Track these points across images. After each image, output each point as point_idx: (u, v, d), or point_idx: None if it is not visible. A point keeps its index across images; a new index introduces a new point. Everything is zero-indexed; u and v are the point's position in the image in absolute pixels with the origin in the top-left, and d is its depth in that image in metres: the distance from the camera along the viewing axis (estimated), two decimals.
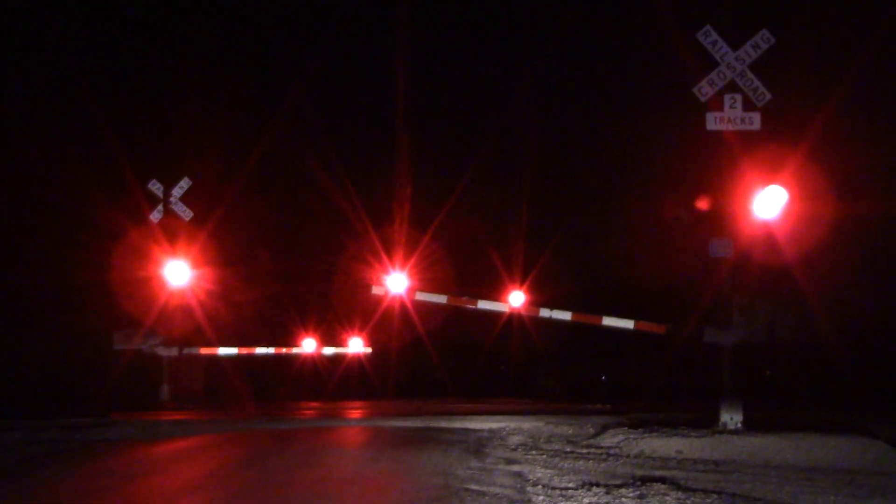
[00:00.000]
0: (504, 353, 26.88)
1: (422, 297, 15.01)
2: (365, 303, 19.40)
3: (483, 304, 14.60)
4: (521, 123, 25.91)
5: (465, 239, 23.17)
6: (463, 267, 22.39)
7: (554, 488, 6.61)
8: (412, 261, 16.27)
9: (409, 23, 22.13)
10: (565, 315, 13.58)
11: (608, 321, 13.11)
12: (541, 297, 16.18)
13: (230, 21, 22.89)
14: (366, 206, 20.33)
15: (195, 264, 17.63)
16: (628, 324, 12.96)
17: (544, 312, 13.85)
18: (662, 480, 6.99)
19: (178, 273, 17.23)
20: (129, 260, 17.21)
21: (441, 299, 14.82)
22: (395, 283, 15.14)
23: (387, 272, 15.48)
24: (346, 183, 21.16)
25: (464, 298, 14.63)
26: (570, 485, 6.78)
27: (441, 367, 25.72)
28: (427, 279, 16.42)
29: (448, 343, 24.75)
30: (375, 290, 15.25)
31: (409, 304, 15.95)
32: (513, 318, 17.24)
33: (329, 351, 22.22)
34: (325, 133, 23.97)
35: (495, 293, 15.85)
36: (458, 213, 21.78)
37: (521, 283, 17.31)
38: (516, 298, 15.46)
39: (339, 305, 22.77)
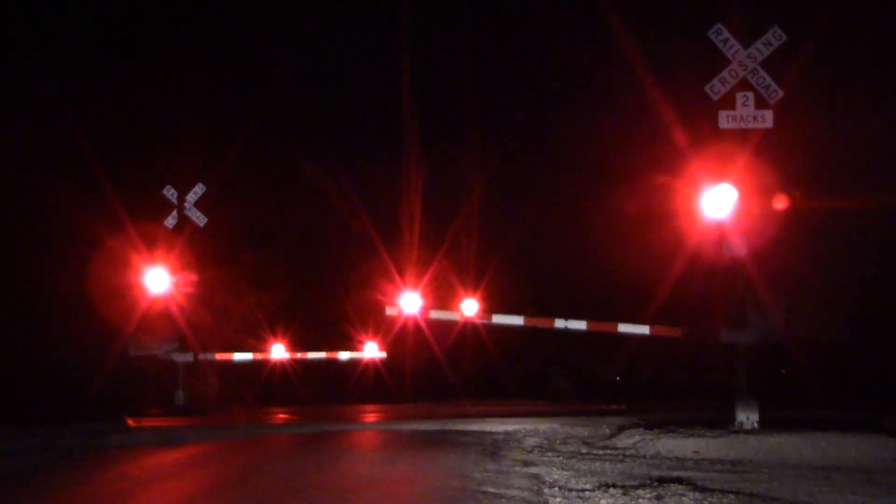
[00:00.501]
0: (518, 357, 26.83)
1: (436, 315, 15.00)
2: (378, 319, 19.46)
3: (498, 319, 14.58)
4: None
5: (479, 254, 23.21)
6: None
7: (571, 490, 6.59)
8: (425, 279, 16.31)
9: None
10: (581, 325, 13.55)
11: (623, 328, 13.10)
12: (555, 307, 16.22)
13: (233, 25, 22.87)
14: (375, 223, 20.47)
15: (204, 268, 17.79)
16: (644, 329, 12.95)
17: (559, 324, 13.77)
18: (679, 481, 6.96)
19: (184, 279, 17.44)
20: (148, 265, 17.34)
21: (455, 316, 14.83)
22: (408, 302, 15.10)
23: (399, 291, 15.50)
24: (354, 199, 21.27)
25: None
26: (587, 486, 6.76)
27: (454, 372, 25.71)
28: (440, 297, 16.43)
29: (462, 351, 24.75)
30: (389, 311, 15.21)
31: (422, 324, 15.97)
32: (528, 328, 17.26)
33: (345, 356, 22.25)
34: (330, 142, 24.02)
35: (509, 307, 15.87)
36: (471, 223, 21.87)
37: (534, 298, 17.30)
38: (532, 312, 15.52)
39: (354, 315, 22.80)
